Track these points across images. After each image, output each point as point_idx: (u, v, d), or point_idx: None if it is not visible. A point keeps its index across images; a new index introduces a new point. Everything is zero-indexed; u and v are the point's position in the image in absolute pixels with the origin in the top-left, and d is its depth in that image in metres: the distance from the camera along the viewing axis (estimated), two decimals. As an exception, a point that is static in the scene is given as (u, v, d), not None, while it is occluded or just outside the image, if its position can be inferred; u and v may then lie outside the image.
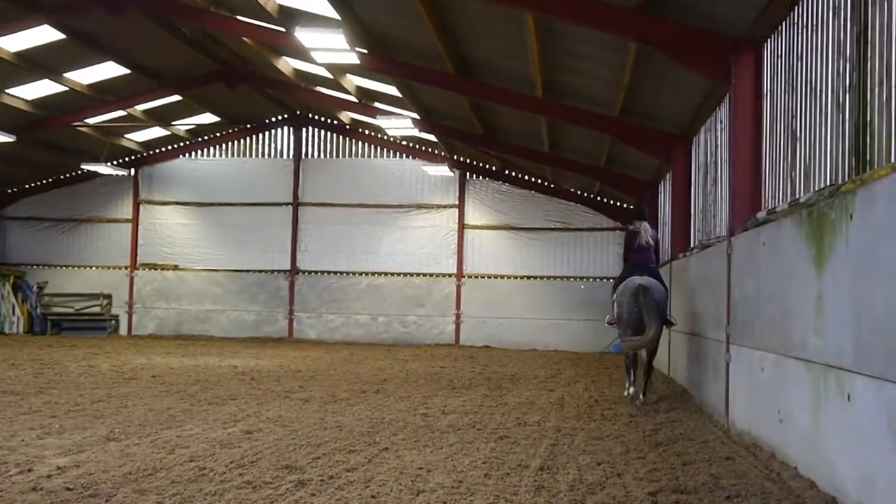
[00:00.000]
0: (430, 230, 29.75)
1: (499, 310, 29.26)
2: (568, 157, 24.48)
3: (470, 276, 29.60)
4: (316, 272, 30.30)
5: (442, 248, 29.68)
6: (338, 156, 30.63)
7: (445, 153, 29.21)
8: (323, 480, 7.30)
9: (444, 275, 29.66)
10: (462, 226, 29.61)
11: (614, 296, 13.72)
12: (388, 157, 30.31)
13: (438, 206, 29.78)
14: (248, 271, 30.58)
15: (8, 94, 23.53)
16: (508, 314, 29.18)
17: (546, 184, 29.20)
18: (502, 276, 29.46)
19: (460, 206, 29.63)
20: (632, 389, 13.63)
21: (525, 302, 29.13)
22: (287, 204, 30.52)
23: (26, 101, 24.26)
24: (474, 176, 29.81)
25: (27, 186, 31.94)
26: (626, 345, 13.19)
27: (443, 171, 28.39)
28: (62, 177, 31.67)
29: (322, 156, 30.71)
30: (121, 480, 7.16)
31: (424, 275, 29.76)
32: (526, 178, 29.33)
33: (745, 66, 11.47)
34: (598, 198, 28.83)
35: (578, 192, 29.05)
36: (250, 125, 30.70)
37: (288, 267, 30.36)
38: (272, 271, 30.52)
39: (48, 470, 7.50)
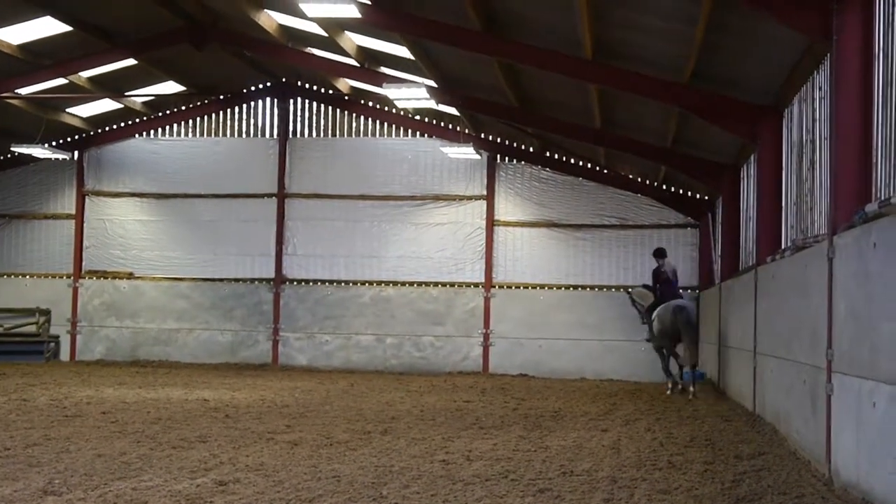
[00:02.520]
0: (451, 228, 29.76)
1: (538, 329, 29.23)
2: (625, 136, 24.42)
3: (501, 286, 29.58)
4: (307, 281, 30.36)
5: (466, 251, 29.68)
6: (334, 134, 30.69)
7: (470, 131, 29.20)
8: (316, 545, 7.30)
9: (468, 284, 29.66)
10: (491, 222, 29.61)
11: (653, 316, 23.27)
12: (398, 135, 30.34)
13: (461, 198, 29.79)
14: (221, 280, 30.67)
15: (-85, 58, 23.69)
16: (550, 334, 29.14)
17: (598, 169, 29.16)
18: (542, 286, 29.43)
19: (489, 198, 29.64)
20: (670, 384, 22.37)
21: (571, 319, 29.08)
22: (270, 195, 30.60)
23: (-60, 67, 24.46)
24: (506, 159, 29.80)
25: (-58, 175, 32.13)
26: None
27: (467, 153, 28.38)
28: (-14, 162, 31.85)
29: (314, 134, 30.78)
30: (62, 545, 7.19)
31: (444, 284, 29.77)
32: (572, 161, 29.29)
33: (851, 15, 11.41)
34: (664, 186, 28.77)
35: (639, 180, 28.98)
36: (224, 96, 30.81)
37: (272, 275, 30.44)
38: (252, 280, 30.60)
39: (-29, 532, 7.54)
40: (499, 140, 29.56)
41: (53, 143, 30.20)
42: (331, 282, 30.23)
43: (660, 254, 24.17)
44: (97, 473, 10.33)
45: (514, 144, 29.53)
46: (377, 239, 30.08)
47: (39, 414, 16.10)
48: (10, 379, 23.49)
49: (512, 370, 29.06)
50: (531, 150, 29.46)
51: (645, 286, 24.90)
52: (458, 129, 29.41)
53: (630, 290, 25.91)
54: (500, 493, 9.66)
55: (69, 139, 31.20)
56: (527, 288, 29.56)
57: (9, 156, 31.11)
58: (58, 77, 25.99)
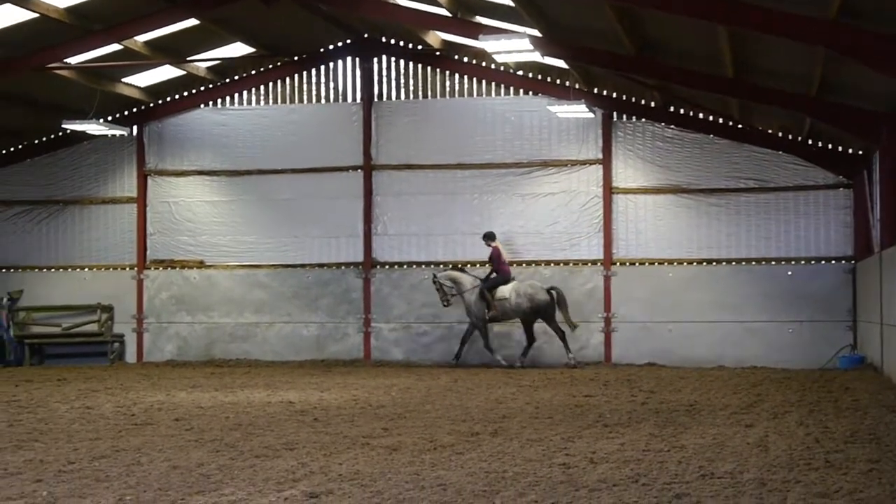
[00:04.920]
0: (563, 198, 29.69)
1: (667, 311, 29.11)
2: (762, 84, 24.14)
3: (623, 263, 29.48)
4: (400, 264, 30.50)
5: (581, 224, 29.61)
6: (425, 96, 30.74)
7: (581, 85, 29.09)
8: (422, 563, 7.36)
9: (585, 262, 29.60)
10: (609, 190, 29.50)
11: (508, 294, 28.04)
12: (498, 94, 30.31)
13: (573, 163, 29.70)
14: (303, 266, 30.91)
15: (-44, 27, 24.14)
16: (681, 317, 29.00)
17: (731, 124, 28.88)
18: (671, 262, 29.28)
19: (605, 162, 29.52)
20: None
21: (706, 298, 28.91)
22: (355, 168, 30.77)
23: (-19, 36, 24.91)
24: (624, 117, 29.63)
25: (-12, 158, 32.80)
26: None
27: (578, 111, 28.23)
28: (36, 142, 32.38)
29: (402, 97, 30.88)
30: (137, 568, 7.33)
31: (557, 262, 29.73)
32: (700, 116, 29.05)
33: None
34: (810, 141, 28.42)
35: (779, 135, 28.66)
36: (298, 58, 31.00)
37: (360, 258, 30.63)
38: (338, 265, 30.81)
39: (36, 555, 7.71)
40: (614, 95, 29.39)
41: (109, 118, 30.48)
42: (428, 264, 30.29)
43: (490, 237, 28.72)
44: (173, 488, 10.50)
45: (633, 99, 29.34)
46: (479, 213, 30.09)
47: (106, 423, 16.40)
48: (71, 384, 23.96)
49: (638, 359, 28.98)
50: (652, 105, 29.25)
51: (455, 268, 29.26)
52: (568, 84, 29.27)
53: (436, 274, 29.08)
54: (629, 499, 9.65)
55: (126, 113, 31.60)
56: (652, 264, 29.42)
57: (60, 134, 31.54)
58: (111, 43, 26.27)
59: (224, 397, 20.57)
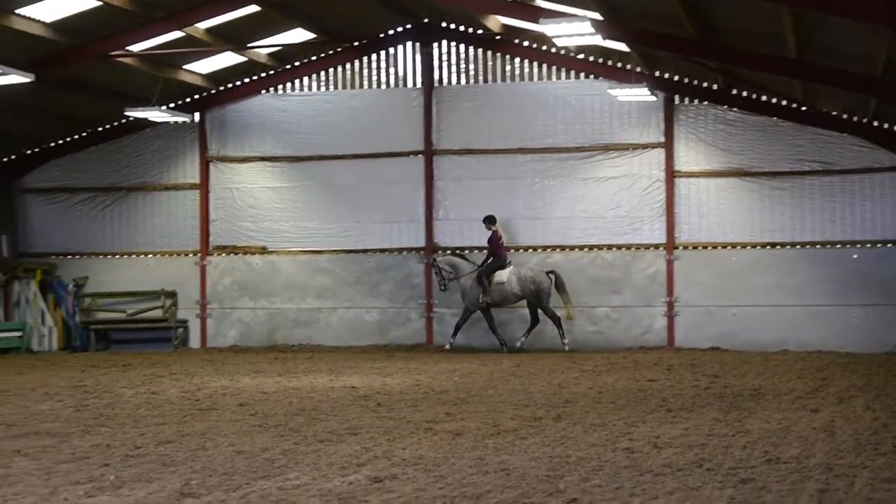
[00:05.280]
0: (625, 182, 29.58)
1: (730, 295, 28.95)
2: (827, 65, 23.93)
3: (686, 247, 29.35)
4: (461, 249, 30.39)
5: (643, 208, 29.49)
6: (485, 80, 30.72)
7: (642, 69, 28.95)
8: (487, 547, 7.37)
9: (647, 246, 29.49)
10: (671, 173, 29.36)
11: (506, 279, 28.39)
12: (559, 78, 30.23)
13: (635, 147, 29.58)
14: (365, 251, 30.98)
15: (19, 15, 24.27)
16: (745, 300, 28.83)
17: (794, 106, 28.65)
18: (734, 245, 29.12)
19: (667, 145, 29.38)
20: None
21: (770, 281, 28.72)
22: (416, 153, 30.80)
23: (45, 24, 25.01)
24: (686, 100, 29.47)
25: (52, 145, 33.04)
26: None
27: (639, 94, 28.13)
28: (99, 129, 32.64)
29: (463, 81, 30.85)
30: (204, 552, 7.38)
31: (619, 247, 29.65)
32: (763, 98, 28.85)
33: None
34: (875, 123, 28.15)
35: (844, 117, 28.40)
36: (358, 43, 31.04)
37: (422, 243, 30.66)
38: (400, 250, 30.86)
39: (104, 539, 7.78)
40: (676, 78, 29.24)
41: (171, 105, 30.71)
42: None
43: (491, 220, 28.83)
44: (238, 472, 10.58)
45: (695, 82, 29.17)
46: (540, 198, 30.05)
47: (171, 408, 16.54)
48: (136, 370, 24.17)
49: (701, 343, 28.85)
50: (714, 87, 29.08)
51: (455, 254, 29.62)
52: (629, 67, 29.17)
53: (436, 258, 29.57)
54: (694, 484, 9.63)
55: (188, 99, 31.79)
56: (715, 248, 29.26)
57: (123, 121, 31.81)
58: (173, 30, 26.42)
59: (287, 382, 20.68)
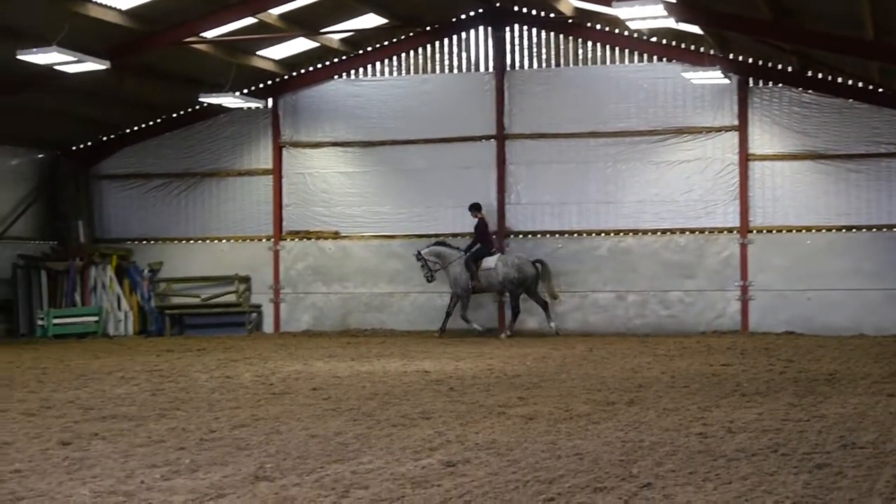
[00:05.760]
0: (698, 165, 29.42)
1: (805, 279, 28.74)
2: (903, 46, 23.71)
3: (760, 231, 29.15)
4: (534, 234, 30.47)
5: (716, 191, 29.32)
6: (557, 64, 30.63)
7: (716, 51, 28.77)
8: (560, 531, 7.38)
9: (721, 230, 29.32)
10: (745, 156, 29.15)
11: (494, 266, 28.84)
12: (632, 61, 30.10)
13: (708, 130, 29.40)
14: (437, 236, 30.89)
15: (96, 3, 24.46)
16: (820, 284, 28.61)
17: (871, 88, 28.35)
18: (809, 229, 28.89)
19: (741, 128, 29.17)
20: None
21: (845, 265, 28.48)
22: (488, 137, 30.78)
23: (120, 11, 25.23)
24: (760, 82, 29.25)
25: (127, 132, 33.36)
26: None
27: (713, 77, 27.94)
28: (174, 115, 32.91)
29: (535, 65, 30.78)
30: (278, 535, 7.44)
31: (692, 231, 29.50)
32: (839, 80, 28.57)
33: None
34: (952, 103, 27.87)
35: (921, 98, 28.12)
36: (430, 28, 31.06)
37: (494, 228, 30.51)
38: (472, 234, 30.82)
39: (180, 522, 7.87)
40: (750, 60, 29.02)
41: (245, 91, 30.93)
42: (561, 233, 30.27)
43: (477, 208, 29.35)
44: (311, 456, 10.65)
45: (769, 64, 28.94)
46: (612, 182, 29.96)
47: (245, 392, 16.68)
48: (211, 354, 24.39)
49: (776, 327, 28.66)
50: (789, 69, 28.82)
51: (440, 243, 29.82)
52: (702, 50, 29.01)
53: (420, 251, 29.78)
54: (769, 469, 9.59)
55: (262, 85, 31.95)
56: (790, 231, 29.05)
57: (197, 107, 32.08)
58: (246, 16, 26.55)
59: (360, 367, 20.78)
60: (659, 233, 29.69)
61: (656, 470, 9.61)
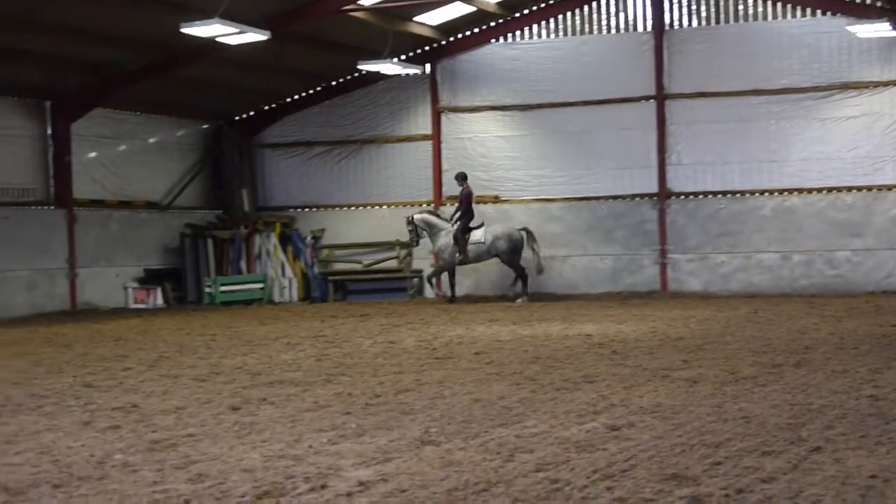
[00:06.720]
0: (865, 121, 28.87)
1: (980, 236, 28.18)
2: None
3: (932, 187, 28.62)
4: (695, 194, 30.21)
5: (885, 148, 28.76)
6: (717, 21, 30.27)
7: (883, 3, 28.14)
8: (728, 496, 7.31)
9: (890, 187, 28.78)
10: (915, 111, 28.59)
11: (483, 237, 29.51)
12: (794, 16, 29.60)
13: (875, 85, 28.82)
14: (597, 199, 30.92)
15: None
16: None
17: None
18: (983, 184, 28.31)
19: (910, 82, 28.60)
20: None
21: None
22: (648, 98, 30.56)
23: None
24: (930, 33, 28.62)
25: (288, 101, 33.85)
26: None
27: (880, 30, 27.34)
28: (333, 83, 33.28)
29: (694, 23, 30.46)
30: (445, 499, 7.48)
31: (859, 188, 28.99)
32: None
33: None
34: None
35: None
36: (588, -13, 30.91)
37: (654, 189, 30.44)
38: (632, 196, 30.71)
39: (347, 486, 7.95)
40: (919, 11, 28.37)
41: (403, 57, 31.11)
42: (724, 193, 29.95)
43: (463, 177, 29.90)
44: (476, 420, 10.69)
45: (939, 15, 28.27)
46: (776, 140, 29.53)
47: (408, 357, 16.81)
48: (373, 320, 24.65)
49: (951, 287, 28.16)
50: (963, 19, 28.13)
51: (429, 212, 30.71)
52: (868, 2, 28.40)
53: (413, 215, 30.42)
54: (945, 432, 9.39)
55: (419, 51, 32.13)
56: (963, 187, 28.50)
57: (356, 75, 32.39)
58: (404, -18, 26.77)
59: (522, 331, 20.81)
60: (825, 191, 29.22)
61: (826, 433, 9.46)
